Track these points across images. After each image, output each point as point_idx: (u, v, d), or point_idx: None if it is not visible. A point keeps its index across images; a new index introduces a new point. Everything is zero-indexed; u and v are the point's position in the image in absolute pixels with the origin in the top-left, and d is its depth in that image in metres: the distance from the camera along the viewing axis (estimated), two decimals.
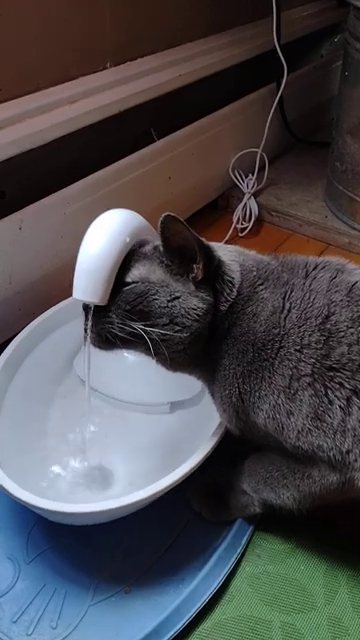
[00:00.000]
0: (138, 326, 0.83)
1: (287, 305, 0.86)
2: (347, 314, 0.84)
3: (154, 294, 0.84)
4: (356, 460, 0.82)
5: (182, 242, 0.84)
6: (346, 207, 1.68)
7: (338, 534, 1.00)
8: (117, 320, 0.84)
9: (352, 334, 0.83)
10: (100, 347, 0.88)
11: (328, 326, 0.83)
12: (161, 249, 0.86)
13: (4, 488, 0.88)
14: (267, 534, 1.00)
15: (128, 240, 0.86)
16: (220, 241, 1.57)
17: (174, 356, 0.88)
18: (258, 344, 0.85)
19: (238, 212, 1.71)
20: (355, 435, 0.82)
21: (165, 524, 0.99)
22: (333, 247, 1.68)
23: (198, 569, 0.93)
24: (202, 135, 1.62)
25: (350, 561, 0.97)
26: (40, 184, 1.25)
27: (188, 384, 1.03)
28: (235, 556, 0.96)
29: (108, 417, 1.14)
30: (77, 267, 0.85)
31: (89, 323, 0.86)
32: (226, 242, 1.61)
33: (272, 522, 0.99)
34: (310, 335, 0.83)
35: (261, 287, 0.88)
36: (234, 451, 0.98)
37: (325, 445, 0.83)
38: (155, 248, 0.87)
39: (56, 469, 1.04)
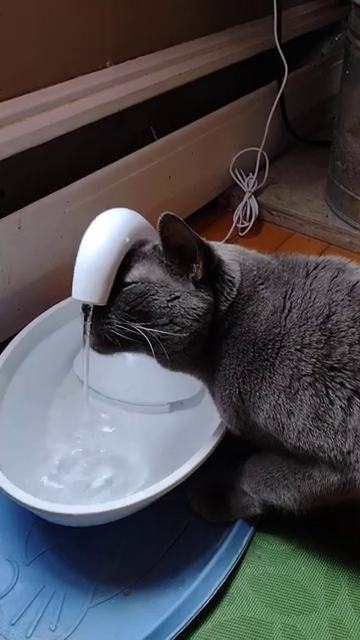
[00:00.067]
0: (138, 327, 0.83)
1: (288, 304, 0.85)
2: (348, 313, 0.83)
3: (154, 294, 0.84)
4: (357, 461, 0.82)
5: (182, 242, 0.83)
6: (347, 206, 1.68)
7: (339, 535, 1.00)
8: (117, 321, 0.83)
9: (353, 334, 0.82)
10: (100, 351, 0.88)
11: (329, 326, 0.83)
12: (161, 249, 0.86)
13: (3, 489, 0.88)
14: (268, 535, 1.00)
15: (128, 240, 0.85)
16: (220, 240, 1.57)
17: (175, 357, 0.88)
18: (258, 344, 0.85)
19: (238, 211, 1.71)
20: (356, 435, 0.81)
21: (165, 525, 0.98)
22: (334, 246, 1.67)
23: (198, 570, 0.93)
24: (202, 134, 1.62)
25: (351, 562, 0.96)
26: (39, 183, 1.25)
27: (188, 384, 1.02)
28: (235, 557, 0.95)
29: (107, 418, 1.13)
30: (76, 267, 0.85)
31: (88, 324, 0.85)
32: (226, 241, 1.60)
33: (273, 523, 0.98)
34: (311, 335, 0.83)
35: (261, 286, 0.88)
36: (234, 452, 0.98)
37: (326, 445, 0.82)
38: (155, 248, 0.87)
39: (55, 470, 1.04)
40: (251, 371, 0.85)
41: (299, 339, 0.83)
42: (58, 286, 1.16)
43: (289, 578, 0.95)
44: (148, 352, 0.87)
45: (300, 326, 0.84)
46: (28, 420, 1.08)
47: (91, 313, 0.85)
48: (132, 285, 0.85)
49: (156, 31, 1.46)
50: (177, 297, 0.84)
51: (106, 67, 1.36)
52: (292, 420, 0.83)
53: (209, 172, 1.71)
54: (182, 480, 0.89)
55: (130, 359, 1.00)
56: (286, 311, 0.85)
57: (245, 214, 1.71)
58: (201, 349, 0.88)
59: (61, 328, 1.15)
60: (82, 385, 1.01)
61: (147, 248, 0.87)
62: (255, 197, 1.74)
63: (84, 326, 0.86)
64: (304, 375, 0.82)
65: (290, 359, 0.83)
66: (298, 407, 0.82)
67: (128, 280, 0.85)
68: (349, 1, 1.52)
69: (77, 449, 1.06)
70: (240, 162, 1.75)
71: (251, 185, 1.73)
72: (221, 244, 0.94)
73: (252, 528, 0.99)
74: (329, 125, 1.79)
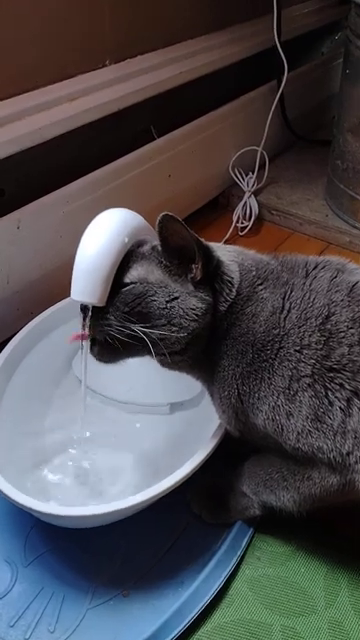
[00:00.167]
0: (137, 328, 0.83)
1: (287, 305, 0.85)
2: (348, 314, 0.83)
3: (152, 295, 0.83)
4: (356, 462, 0.82)
5: (181, 242, 0.83)
6: (347, 206, 1.67)
7: (338, 536, 0.99)
8: (115, 322, 0.83)
9: (353, 334, 0.82)
10: (105, 361, 0.88)
11: (328, 326, 0.82)
12: (160, 249, 0.85)
13: (1, 491, 0.87)
14: (267, 536, 0.99)
15: (127, 240, 0.85)
16: (220, 240, 1.57)
17: (174, 357, 0.87)
18: (257, 345, 0.85)
19: (238, 211, 1.70)
20: (355, 437, 0.81)
21: (164, 527, 0.98)
22: (334, 246, 1.67)
23: (197, 572, 0.92)
24: (202, 133, 1.61)
25: (351, 564, 0.96)
26: (39, 182, 1.25)
27: (188, 385, 1.02)
28: (235, 559, 0.95)
29: (107, 418, 1.13)
30: (75, 267, 0.84)
31: (87, 324, 0.85)
32: (226, 241, 1.60)
33: (272, 524, 0.98)
34: (310, 335, 0.83)
35: (260, 287, 0.87)
36: (234, 453, 0.97)
37: (325, 447, 0.82)
38: (153, 248, 0.86)
39: (54, 471, 1.04)
40: (250, 372, 0.85)
41: (298, 340, 0.83)
42: (57, 286, 1.15)
43: (288, 580, 0.94)
44: (149, 353, 0.86)
45: (299, 327, 0.83)
46: (27, 420, 1.08)
47: (90, 314, 0.85)
48: (131, 286, 0.84)
49: (156, 30, 1.45)
50: (176, 298, 0.84)
51: (106, 66, 1.35)
52: (291, 421, 0.83)
53: (209, 171, 1.70)
54: (182, 481, 0.89)
55: (130, 360, 1.00)
56: (285, 312, 0.85)
57: (245, 213, 1.70)
58: (201, 350, 0.88)
59: (60, 328, 1.14)
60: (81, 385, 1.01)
61: (146, 248, 0.87)
62: (255, 196, 1.73)
63: (82, 326, 0.86)
64: (303, 376, 0.82)
65: (289, 360, 0.83)
66: (297, 408, 0.82)
67: (127, 280, 0.85)
68: (349, 0, 1.52)
69: (76, 450, 1.06)
70: (240, 161, 1.74)
71: (251, 184, 1.73)
72: (220, 245, 0.94)
73: (251, 529, 0.99)
74: (329, 124, 1.79)
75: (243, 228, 1.69)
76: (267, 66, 1.77)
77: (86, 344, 0.88)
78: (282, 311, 0.85)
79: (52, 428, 1.10)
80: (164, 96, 1.43)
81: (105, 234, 0.84)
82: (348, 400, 0.81)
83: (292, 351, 0.83)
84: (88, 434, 1.07)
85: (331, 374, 0.81)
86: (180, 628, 0.86)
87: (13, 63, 1.16)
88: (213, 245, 0.89)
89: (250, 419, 0.88)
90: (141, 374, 1.01)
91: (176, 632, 0.86)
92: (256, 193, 1.74)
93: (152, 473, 1.02)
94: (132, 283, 0.84)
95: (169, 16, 1.47)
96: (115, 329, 0.83)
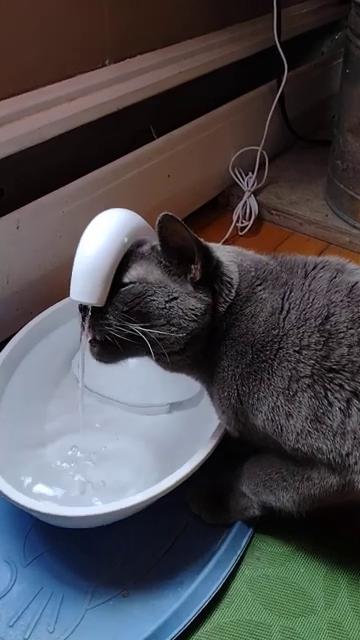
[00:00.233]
0: (136, 328, 0.82)
1: (286, 306, 0.85)
2: (347, 315, 0.83)
3: (152, 295, 0.83)
4: (356, 463, 0.82)
5: (180, 242, 0.83)
6: (347, 206, 1.67)
7: (338, 537, 0.99)
8: (115, 322, 0.83)
9: (352, 335, 0.82)
10: (105, 361, 0.88)
11: (328, 327, 0.82)
12: (159, 249, 0.85)
13: (1, 491, 0.87)
14: (267, 537, 0.99)
15: (126, 240, 0.85)
16: (220, 240, 1.57)
17: (173, 357, 0.87)
18: (257, 345, 0.85)
19: (238, 210, 1.70)
20: (355, 437, 0.81)
21: (163, 527, 0.98)
22: (334, 246, 1.67)
23: (197, 572, 0.92)
24: (202, 133, 1.61)
25: (350, 564, 0.96)
26: (38, 182, 1.25)
27: (187, 385, 1.02)
28: (234, 559, 0.95)
29: (106, 418, 1.13)
30: (74, 267, 0.84)
31: (86, 324, 0.85)
32: (226, 241, 1.60)
33: (271, 525, 0.98)
34: (309, 336, 0.82)
35: (260, 288, 0.87)
36: (233, 453, 0.97)
37: (324, 447, 0.82)
38: (153, 248, 0.86)
39: (53, 471, 1.03)
40: (249, 373, 0.85)
41: (297, 340, 0.83)
42: (57, 286, 1.15)
43: (288, 580, 0.94)
44: (148, 353, 0.86)
45: (299, 327, 0.83)
46: (27, 420, 1.08)
47: (89, 314, 0.85)
48: (130, 285, 0.84)
49: (155, 30, 1.45)
50: (175, 298, 0.84)
51: (105, 66, 1.35)
52: (291, 422, 0.83)
53: (209, 171, 1.70)
54: (181, 481, 0.89)
55: (130, 360, 1.00)
56: (284, 312, 0.85)
57: (245, 213, 1.70)
58: (200, 351, 0.88)
59: (60, 328, 1.15)
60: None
61: (145, 248, 0.87)
62: (255, 196, 1.73)
63: (82, 327, 0.86)
64: (303, 377, 0.82)
65: (289, 361, 0.82)
66: (297, 409, 0.82)
67: (126, 280, 0.85)
68: (349, 0, 1.52)
69: (76, 450, 1.06)
70: (240, 161, 1.74)
71: (251, 184, 1.73)
72: (219, 245, 0.94)
73: (251, 530, 0.99)
74: (329, 124, 1.79)
75: (243, 228, 1.69)
76: (267, 66, 1.77)
77: (84, 344, 0.88)
78: (281, 312, 0.85)
79: (52, 428, 1.10)
80: (163, 96, 1.43)
81: (104, 234, 0.84)
82: (348, 401, 0.81)
83: (291, 352, 0.83)
84: (87, 434, 1.06)
85: (330, 375, 0.81)
86: (180, 628, 0.86)
87: (12, 63, 1.15)
88: (212, 246, 0.89)
89: (250, 420, 0.88)
90: (140, 374, 1.01)
91: (176, 632, 0.86)
92: (256, 193, 1.74)
93: (152, 473, 1.02)
94: (131, 283, 0.84)
95: (168, 16, 1.47)
96: (114, 329, 0.83)
